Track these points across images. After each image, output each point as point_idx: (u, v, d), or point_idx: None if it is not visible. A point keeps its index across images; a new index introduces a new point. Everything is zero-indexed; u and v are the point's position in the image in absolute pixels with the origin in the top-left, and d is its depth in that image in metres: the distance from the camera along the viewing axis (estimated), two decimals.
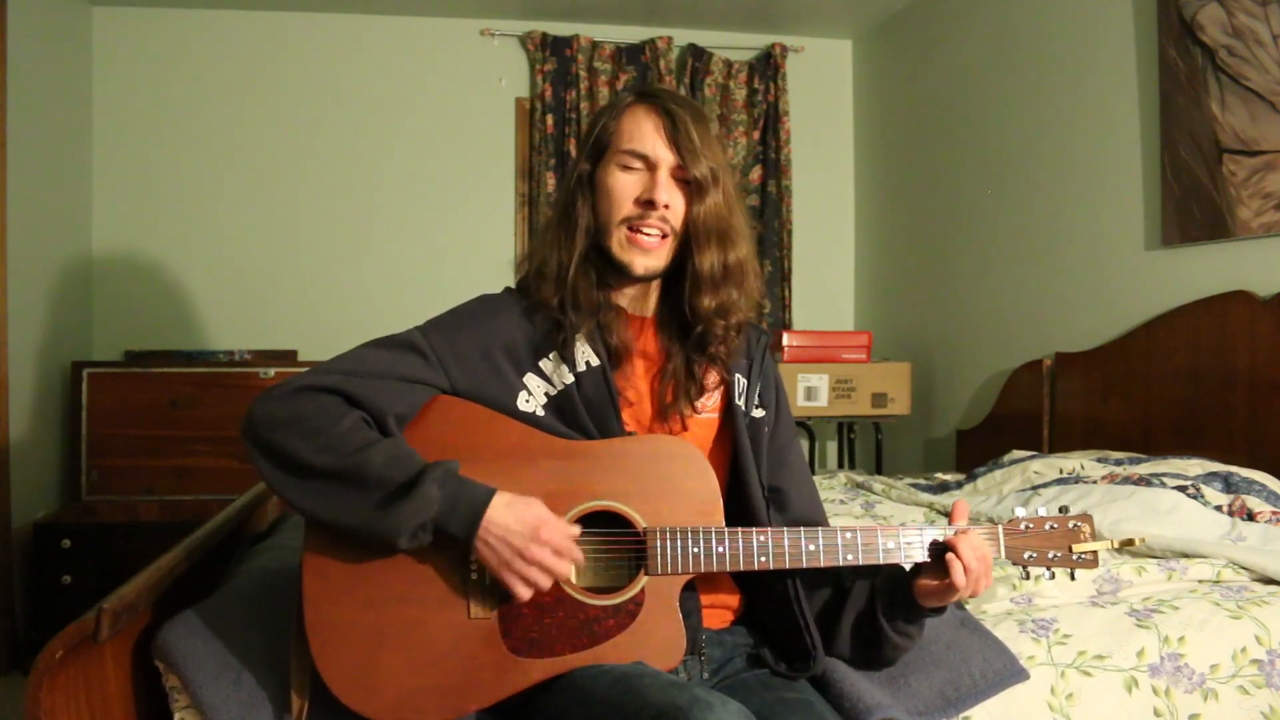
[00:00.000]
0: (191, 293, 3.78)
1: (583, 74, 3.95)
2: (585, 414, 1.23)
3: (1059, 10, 3.07)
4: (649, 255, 1.26)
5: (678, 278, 1.29)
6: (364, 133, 3.89)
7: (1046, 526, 1.26)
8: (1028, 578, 1.29)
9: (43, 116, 3.26)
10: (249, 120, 3.81)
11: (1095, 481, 2.19)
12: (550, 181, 3.92)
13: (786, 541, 1.19)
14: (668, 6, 3.88)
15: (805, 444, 3.72)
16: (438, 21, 3.95)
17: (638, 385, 1.29)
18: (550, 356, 1.26)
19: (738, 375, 1.32)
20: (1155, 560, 1.70)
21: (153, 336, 3.68)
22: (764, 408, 1.35)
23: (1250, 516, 1.95)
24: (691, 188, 1.26)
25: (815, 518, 1.36)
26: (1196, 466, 2.19)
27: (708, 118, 1.31)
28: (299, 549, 1.17)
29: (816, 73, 4.26)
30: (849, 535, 1.20)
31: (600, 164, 1.28)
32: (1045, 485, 2.30)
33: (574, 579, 1.18)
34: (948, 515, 1.31)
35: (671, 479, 1.20)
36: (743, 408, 1.31)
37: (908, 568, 1.25)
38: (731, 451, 1.30)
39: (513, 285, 1.36)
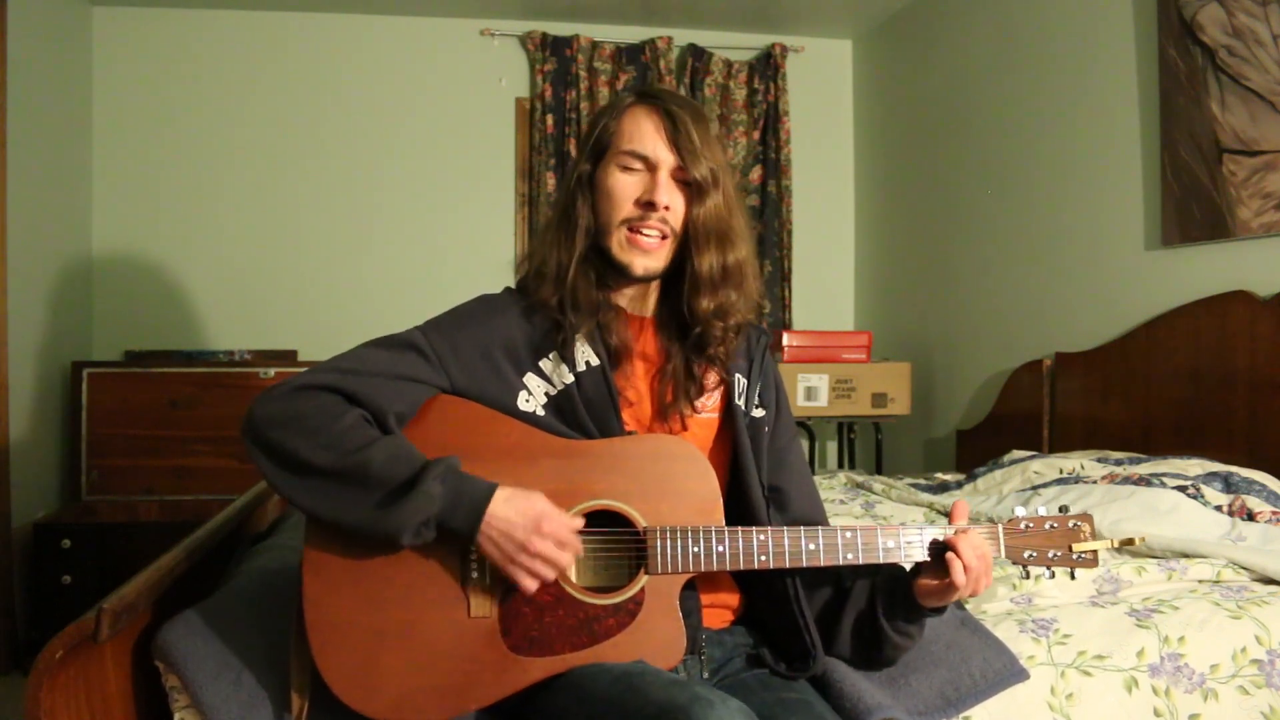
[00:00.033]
0: (191, 293, 3.78)
1: (583, 74, 3.95)
2: (585, 413, 1.23)
3: (1059, 10, 3.07)
4: (649, 256, 1.26)
5: (677, 278, 1.29)
6: (364, 133, 3.89)
7: (1046, 526, 1.26)
8: (1028, 577, 1.29)
9: (43, 116, 3.26)
10: (249, 120, 3.81)
11: (1095, 481, 2.19)
12: (550, 181, 3.92)
13: (786, 541, 1.19)
14: (668, 6, 3.88)
15: (805, 444, 3.72)
16: (438, 21, 3.95)
17: (637, 385, 1.29)
18: (550, 356, 1.26)
19: (738, 375, 1.32)
20: (1155, 560, 1.69)
21: (153, 336, 3.68)
22: (764, 407, 1.35)
23: (1250, 516, 1.95)
24: (691, 189, 1.26)
25: (815, 517, 1.36)
26: (1196, 466, 2.19)
27: (708, 118, 1.31)
28: (299, 549, 1.17)
29: (816, 73, 4.26)
30: (849, 534, 1.20)
31: (600, 164, 1.28)
32: (1045, 485, 2.30)
33: (574, 578, 1.18)
34: (948, 515, 1.31)
35: (672, 478, 1.20)
36: (743, 407, 1.31)
37: (908, 567, 1.25)
38: (731, 451, 1.30)
39: (513, 285, 1.36)
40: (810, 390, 3.38)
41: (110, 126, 3.69)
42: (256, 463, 1.13)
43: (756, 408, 1.34)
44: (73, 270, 3.52)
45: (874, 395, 3.44)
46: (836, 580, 1.29)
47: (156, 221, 3.74)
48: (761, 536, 1.19)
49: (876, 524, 1.24)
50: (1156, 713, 1.35)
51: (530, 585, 1.12)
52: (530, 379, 1.25)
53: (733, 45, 4.12)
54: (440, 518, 1.09)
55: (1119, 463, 2.32)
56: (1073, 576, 1.29)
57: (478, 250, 3.94)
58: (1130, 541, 1.29)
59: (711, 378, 1.31)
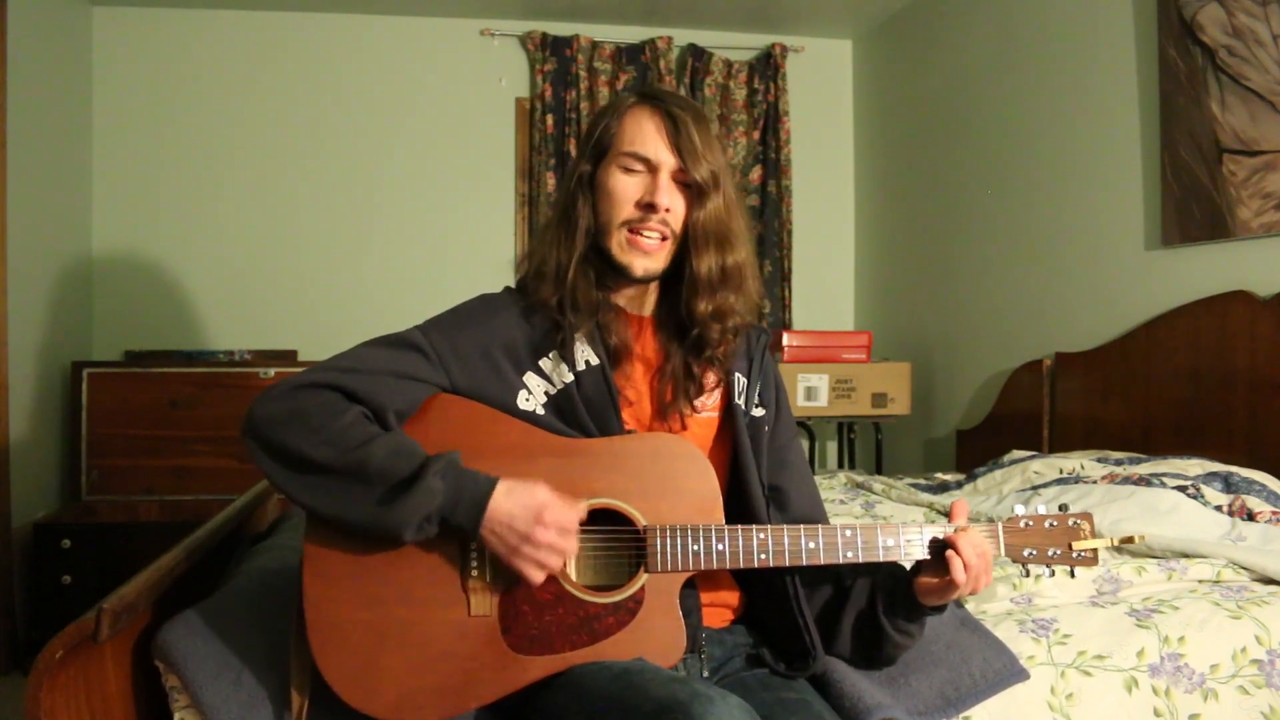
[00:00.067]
0: (191, 293, 3.78)
1: (583, 74, 3.95)
2: (585, 413, 1.23)
3: (1059, 10, 3.07)
4: (649, 257, 1.26)
5: (676, 279, 1.29)
6: (364, 133, 3.89)
7: (1046, 524, 1.26)
8: (1027, 575, 1.29)
9: (43, 116, 3.26)
10: (249, 120, 3.81)
11: (1095, 481, 2.19)
12: (550, 181, 3.92)
13: (786, 539, 1.19)
14: (668, 6, 3.88)
15: (805, 444, 3.72)
16: (438, 21, 3.96)
17: (637, 384, 1.29)
18: (550, 355, 1.26)
19: (737, 374, 1.32)
20: (1155, 560, 1.69)
21: (153, 336, 3.68)
22: (764, 407, 1.35)
23: (1250, 516, 1.95)
24: (692, 191, 1.26)
25: (816, 517, 1.36)
26: (1196, 466, 2.19)
27: (709, 119, 1.31)
28: (299, 549, 1.17)
29: (816, 73, 4.26)
30: (849, 533, 1.21)
31: (601, 165, 1.28)
32: (1045, 485, 2.30)
33: (574, 576, 1.18)
34: (947, 515, 1.31)
35: (672, 477, 1.20)
36: (742, 406, 1.31)
37: (908, 566, 1.25)
38: (731, 450, 1.30)
39: (512, 285, 1.36)
40: (810, 390, 3.38)
41: (110, 126, 3.69)
42: (257, 461, 1.13)
43: (756, 407, 1.34)
44: (73, 270, 3.52)
45: (874, 395, 3.44)
46: (836, 579, 1.29)
47: (156, 221, 3.74)
48: (761, 535, 1.19)
49: (876, 523, 1.24)
50: (1156, 713, 1.35)
51: (537, 576, 1.12)
52: (530, 378, 1.25)
53: (733, 45, 4.12)
54: (442, 513, 1.10)
55: (1119, 463, 2.32)
56: (1072, 575, 1.29)
57: (478, 250, 3.94)
58: (1130, 540, 1.29)
59: (711, 377, 1.31)
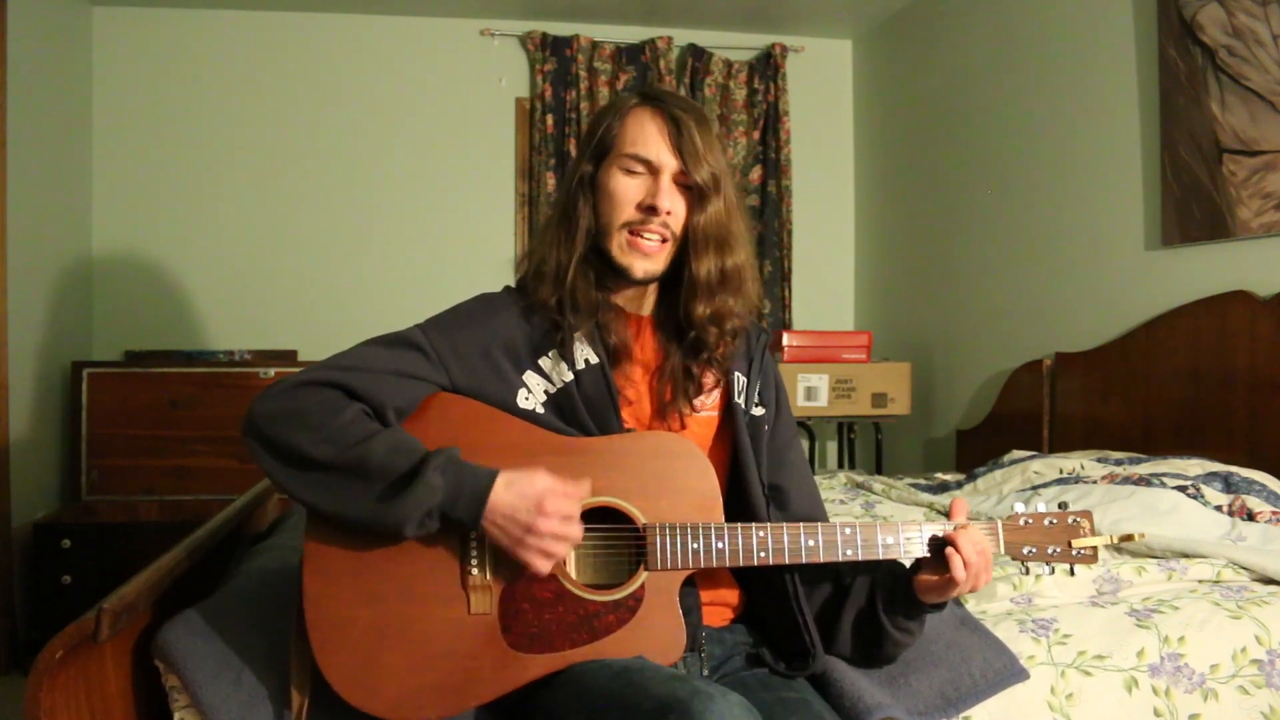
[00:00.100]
0: (191, 293, 3.78)
1: (583, 74, 3.95)
2: (585, 411, 1.23)
3: (1059, 10, 3.07)
4: (649, 259, 1.27)
5: (675, 279, 1.29)
6: (364, 133, 3.89)
7: (1046, 522, 1.26)
8: (1027, 573, 1.29)
9: (43, 116, 3.26)
10: (249, 120, 3.81)
11: (1095, 481, 2.19)
12: (550, 181, 3.92)
13: (786, 537, 1.19)
14: (668, 6, 3.88)
15: (805, 444, 3.71)
16: (438, 21, 3.96)
17: (636, 384, 1.29)
18: (549, 355, 1.26)
19: (737, 373, 1.32)
20: (1155, 560, 1.70)
21: (153, 336, 3.68)
22: (764, 406, 1.35)
23: (1250, 516, 1.95)
24: (693, 193, 1.26)
25: (816, 516, 1.36)
26: (1196, 466, 2.19)
27: (711, 121, 1.31)
28: (299, 548, 1.17)
29: (816, 73, 4.26)
30: (848, 531, 1.21)
31: (602, 166, 1.28)
32: (1045, 485, 2.30)
33: (574, 574, 1.18)
34: (947, 515, 1.31)
35: (671, 476, 1.20)
36: (742, 405, 1.31)
37: (907, 564, 1.25)
38: (731, 449, 1.30)
39: (512, 284, 1.36)
40: (810, 390, 3.38)
41: (110, 126, 3.69)
42: (258, 460, 1.13)
43: (756, 406, 1.34)
44: (73, 270, 3.52)
45: (874, 395, 3.44)
46: (836, 577, 1.29)
47: (156, 221, 3.74)
48: (761, 533, 1.19)
49: (876, 522, 1.24)
50: (1156, 713, 1.35)
51: (543, 566, 1.12)
52: (530, 377, 1.25)
53: (733, 45, 4.12)
54: (443, 508, 1.10)
55: (1119, 463, 2.32)
56: (1072, 573, 1.29)
57: (478, 250, 3.94)
58: (1130, 537, 1.29)
59: (710, 377, 1.31)
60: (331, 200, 3.87)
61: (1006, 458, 2.65)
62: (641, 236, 1.26)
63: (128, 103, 3.71)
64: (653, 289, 1.33)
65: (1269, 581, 1.64)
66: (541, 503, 1.10)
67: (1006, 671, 1.30)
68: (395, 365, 1.19)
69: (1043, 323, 3.14)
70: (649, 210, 1.25)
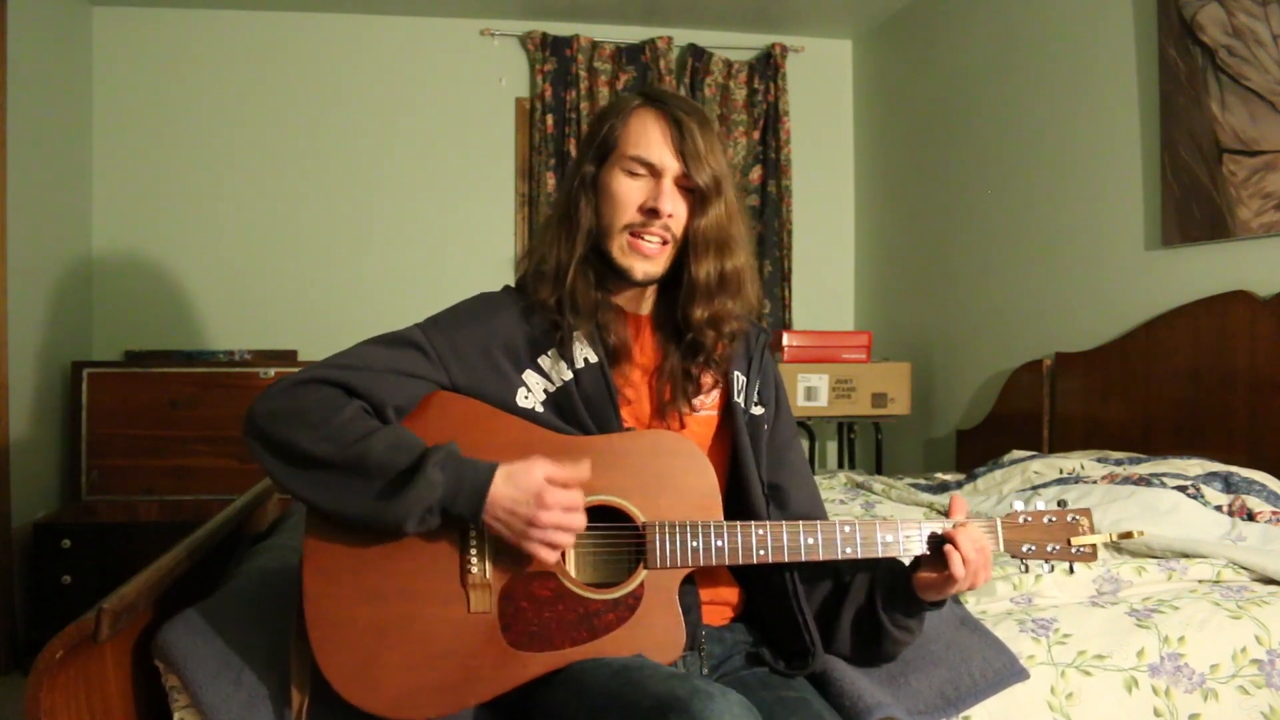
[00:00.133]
0: (191, 293, 3.78)
1: (583, 74, 3.95)
2: (584, 410, 1.23)
3: (1059, 10, 3.07)
4: (649, 261, 1.27)
5: (675, 281, 1.30)
6: (364, 133, 3.90)
7: (1045, 520, 1.26)
8: (1026, 570, 1.29)
9: (43, 116, 3.26)
10: (249, 120, 3.81)
11: (1095, 481, 2.19)
12: (550, 181, 3.92)
13: (785, 535, 1.19)
14: (668, 6, 3.88)
15: (805, 444, 3.71)
16: (438, 21, 3.96)
17: (635, 384, 1.29)
18: (549, 353, 1.26)
19: (737, 373, 1.33)
20: (1155, 560, 1.69)
21: (153, 336, 3.69)
22: (763, 405, 1.35)
23: (1250, 516, 1.95)
24: (694, 196, 1.26)
25: (815, 516, 1.36)
26: (1196, 466, 2.19)
27: (713, 122, 1.31)
28: (299, 548, 1.17)
29: (816, 73, 4.26)
30: (848, 529, 1.21)
31: (604, 166, 1.28)
32: (1045, 485, 2.30)
33: (574, 573, 1.18)
34: (947, 514, 1.31)
35: (670, 474, 1.20)
36: (742, 405, 1.31)
37: (906, 562, 1.26)
38: (731, 449, 1.30)
39: (512, 284, 1.36)
40: (810, 390, 3.38)
41: (110, 126, 3.70)
42: (259, 459, 1.13)
43: (755, 405, 1.34)
44: (73, 270, 3.52)
45: (874, 395, 3.44)
46: (835, 576, 1.30)
47: (156, 221, 3.74)
48: (760, 531, 1.19)
49: (876, 520, 1.24)
50: (1156, 713, 1.35)
51: (549, 556, 1.12)
52: (529, 376, 1.25)
53: (733, 45, 4.12)
54: (443, 503, 1.10)
55: (1119, 463, 2.32)
56: (1071, 570, 1.29)
57: (478, 250, 3.94)
58: (1129, 535, 1.29)
59: (708, 378, 1.31)
60: (331, 200, 3.87)
61: (1006, 458, 2.65)
62: (642, 239, 1.26)
63: (128, 103, 3.71)
64: (652, 289, 1.33)
65: (1269, 581, 1.64)
66: (541, 495, 1.10)
67: (1006, 671, 1.30)
68: (395, 364, 1.19)
69: (1043, 323, 3.14)
70: (650, 213, 1.25)
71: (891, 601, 1.24)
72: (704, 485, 1.21)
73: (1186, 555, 1.70)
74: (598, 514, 1.19)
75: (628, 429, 1.25)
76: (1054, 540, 1.26)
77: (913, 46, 3.91)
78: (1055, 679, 1.34)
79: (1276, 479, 2.11)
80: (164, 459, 3.31)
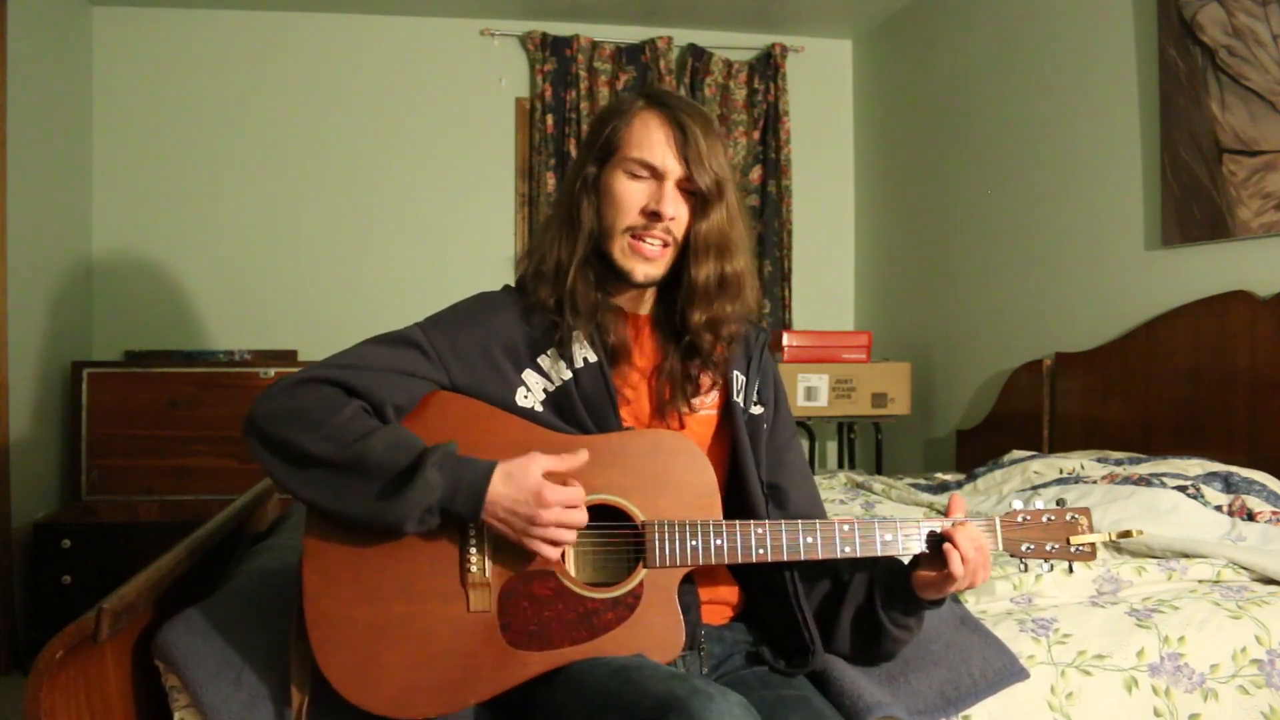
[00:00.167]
0: (191, 293, 3.78)
1: (583, 74, 3.95)
2: (583, 410, 1.24)
3: (1059, 10, 3.07)
4: (650, 264, 1.27)
5: (675, 282, 1.30)
6: (364, 133, 3.90)
7: (1044, 519, 1.26)
8: (1025, 570, 1.28)
9: (43, 116, 3.26)
10: (249, 120, 3.81)
11: (1095, 481, 2.19)
12: (550, 181, 3.92)
13: (785, 534, 1.19)
14: (668, 6, 3.88)
15: (805, 444, 3.71)
16: (438, 21, 3.96)
17: (635, 384, 1.29)
18: (549, 353, 1.27)
19: (736, 372, 1.33)
20: (1155, 560, 1.69)
21: (153, 336, 3.69)
22: (763, 405, 1.35)
23: (1250, 516, 1.95)
24: (696, 199, 1.26)
25: (815, 515, 1.36)
26: (1196, 466, 2.19)
27: (715, 125, 1.31)
28: (299, 548, 1.17)
29: (816, 73, 4.26)
30: (847, 528, 1.21)
31: (606, 168, 1.28)
32: (1045, 485, 2.30)
33: (573, 572, 1.18)
34: (946, 514, 1.31)
35: (669, 473, 1.20)
36: (741, 405, 1.31)
37: (906, 560, 1.26)
38: (730, 448, 1.30)
39: (512, 284, 1.36)
40: (810, 390, 3.38)
41: (110, 126, 3.70)
42: (259, 458, 1.13)
43: (755, 405, 1.34)
44: (73, 270, 3.53)
45: (874, 395, 3.44)
46: (835, 575, 1.30)
47: (156, 221, 3.74)
48: (759, 530, 1.19)
49: (875, 519, 1.24)
50: (1156, 712, 1.35)
51: (552, 553, 1.12)
52: (529, 375, 1.25)
53: (733, 45, 4.12)
54: (442, 503, 1.10)
55: (1119, 463, 2.32)
56: (1070, 570, 1.29)
57: (478, 250, 3.94)
58: (1128, 534, 1.29)
59: (708, 377, 1.31)
60: (331, 200, 3.87)
61: (1006, 458, 2.65)
62: (644, 241, 1.26)
63: (128, 103, 3.71)
64: (652, 290, 1.33)
65: (1269, 581, 1.64)
66: (540, 493, 1.10)
67: (1006, 671, 1.30)
68: (395, 363, 1.19)
69: (1043, 323, 3.14)
70: (652, 215, 1.25)
71: (891, 600, 1.24)
72: (703, 484, 1.21)
73: (1186, 555, 1.70)
74: (597, 513, 1.19)
75: (627, 428, 1.25)
76: (1053, 539, 1.26)
77: (913, 46, 3.91)
78: (1055, 679, 1.34)
79: (1276, 479, 2.11)
80: (164, 459, 3.32)
